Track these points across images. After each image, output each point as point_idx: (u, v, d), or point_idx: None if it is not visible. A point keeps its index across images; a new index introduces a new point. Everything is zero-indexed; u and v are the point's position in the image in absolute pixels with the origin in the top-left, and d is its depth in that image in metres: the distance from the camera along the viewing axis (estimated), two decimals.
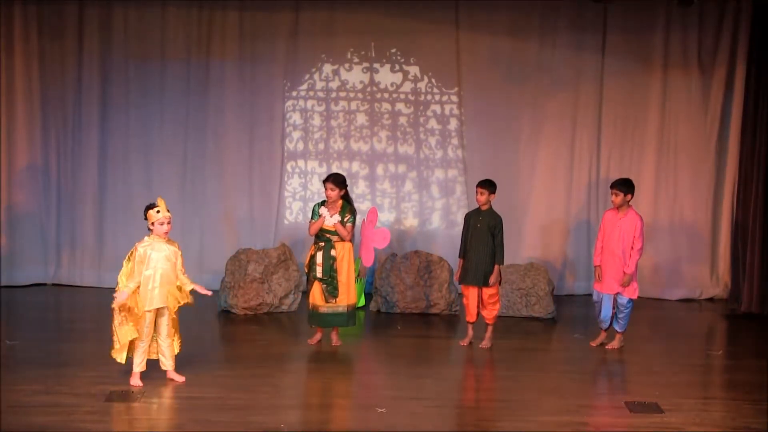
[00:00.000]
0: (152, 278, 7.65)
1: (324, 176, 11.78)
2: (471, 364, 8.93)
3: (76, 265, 11.86)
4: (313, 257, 9.02)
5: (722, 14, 11.64)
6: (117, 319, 7.64)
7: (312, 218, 9.06)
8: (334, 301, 8.98)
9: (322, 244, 8.98)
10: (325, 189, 8.99)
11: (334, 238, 8.95)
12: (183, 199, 11.82)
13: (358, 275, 11.00)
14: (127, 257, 7.73)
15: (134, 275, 7.63)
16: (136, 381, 7.71)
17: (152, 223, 7.70)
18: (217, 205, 11.90)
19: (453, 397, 8.00)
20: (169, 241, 7.79)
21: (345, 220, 8.94)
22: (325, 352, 9.02)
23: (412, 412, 7.31)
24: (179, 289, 7.77)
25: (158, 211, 7.68)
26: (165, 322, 7.77)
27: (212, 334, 9.89)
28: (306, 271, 9.15)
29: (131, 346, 7.75)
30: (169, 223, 7.72)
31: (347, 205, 9.00)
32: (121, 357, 7.72)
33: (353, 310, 9.14)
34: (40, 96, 11.66)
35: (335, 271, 8.95)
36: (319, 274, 8.96)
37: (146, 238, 7.76)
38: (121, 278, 7.69)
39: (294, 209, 12.03)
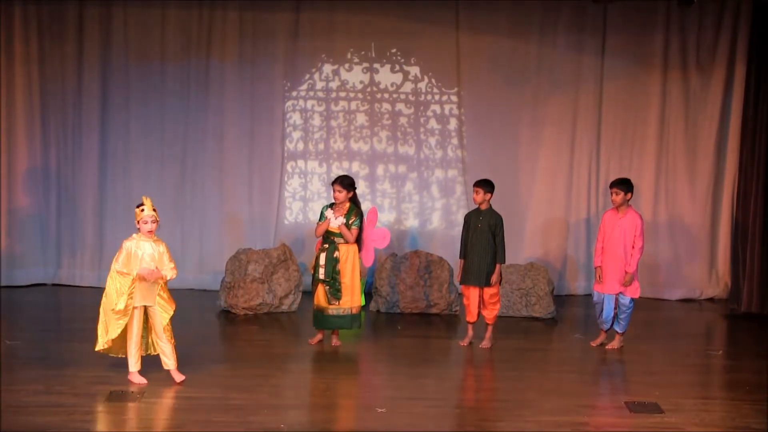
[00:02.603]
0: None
1: (324, 176, 11.87)
2: (471, 364, 8.93)
3: (76, 266, 11.87)
4: (317, 258, 9.02)
5: (722, 14, 11.65)
6: (104, 316, 7.69)
7: (319, 220, 9.06)
8: (337, 303, 8.97)
9: (327, 245, 8.97)
10: (333, 191, 8.99)
11: (339, 240, 8.95)
12: (183, 199, 11.82)
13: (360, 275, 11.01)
14: (114, 258, 7.74)
15: (128, 264, 7.64)
16: (138, 379, 7.71)
17: (138, 222, 7.72)
18: (217, 205, 11.90)
19: (453, 397, 8.00)
20: (157, 240, 7.79)
21: (350, 222, 8.93)
22: (325, 353, 9.02)
23: (412, 412, 7.31)
24: (163, 291, 7.78)
25: (143, 210, 7.70)
26: (159, 323, 7.76)
27: (212, 334, 9.90)
28: (312, 271, 9.15)
29: (120, 345, 7.77)
30: (154, 221, 7.71)
31: (354, 208, 8.98)
32: (100, 346, 7.77)
33: (358, 312, 9.12)
34: (40, 97, 11.66)
35: (338, 273, 8.94)
36: (321, 276, 8.95)
37: (134, 235, 7.78)
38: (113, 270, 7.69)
39: (294, 209, 12.03)
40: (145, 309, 7.78)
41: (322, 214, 9.04)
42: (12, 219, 11.64)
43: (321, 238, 9.08)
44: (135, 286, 7.65)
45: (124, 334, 7.75)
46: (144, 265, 7.66)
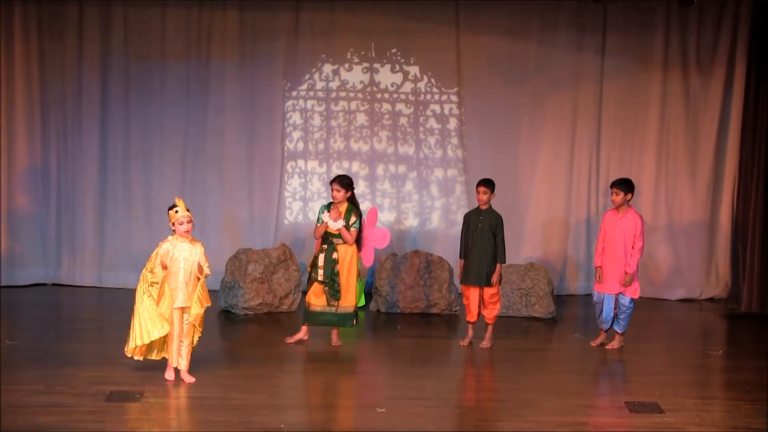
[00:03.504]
0: (175, 277, 7.70)
1: (324, 176, 11.87)
2: (471, 364, 8.93)
3: (76, 265, 11.86)
4: (316, 258, 9.01)
5: (722, 14, 11.65)
6: (142, 315, 7.67)
7: (318, 221, 9.05)
8: (336, 303, 8.97)
9: (325, 246, 8.97)
10: (331, 190, 8.98)
11: (338, 241, 8.94)
12: (183, 198, 11.79)
13: (359, 275, 11.00)
14: (151, 257, 7.78)
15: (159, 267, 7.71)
16: (171, 375, 7.82)
17: (173, 224, 7.75)
18: (217, 205, 11.90)
19: (453, 397, 8.01)
20: (193, 240, 7.83)
21: (350, 223, 8.92)
22: (325, 352, 9.02)
23: (412, 412, 7.31)
24: (202, 289, 7.81)
25: (177, 211, 7.74)
26: (185, 322, 7.81)
27: (212, 334, 9.88)
28: (309, 270, 9.14)
29: (158, 345, 7.84)
30: (189, 221, 7.77)
31: (353, 208, 8.96)
32: (139, 354, 7.82)
33: (352, 311, 9.10)
34: (40, 96, 11.66)
35: (337, 274, 8.93)
36: (320, 277, 8.94)
37: (170, 237, 7.83)
38: (146, 273, 7.73)
39: (294, 209, 12.03)
40: (182, 310, 7.82)
41: (321, 212, 9.03)
42: (12, 219, 11.63)
43: (320, 238, 9.07)
44: (176, 287, 7.67)
45: (162, 338, 7.81)
46: (182, 267, 7.70)
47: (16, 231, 11.65)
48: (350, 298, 9.04)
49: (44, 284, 11.81)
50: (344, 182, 8.94)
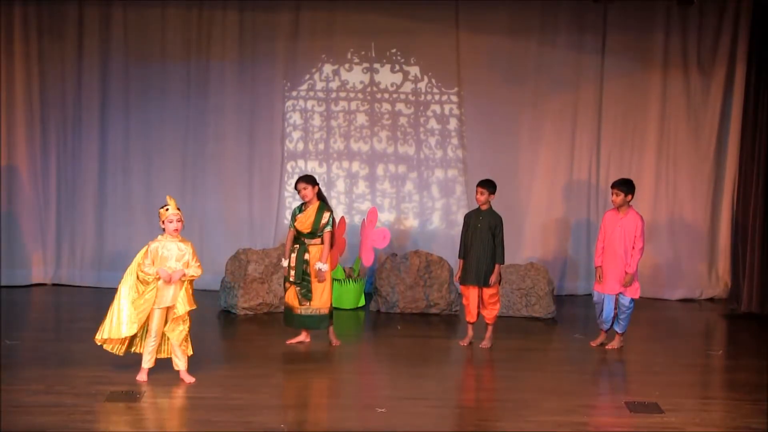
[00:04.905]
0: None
1: (324, 176, 11.88)
2: (471, 364, 8.93)
3: (76, 265, 11.87)
4: (288, 259, 9.01)
5: (722, 14, 11.65)
6: (121, 309, 7.68)
7: (290, 225, 9.05)
8: (307, 304, 8.97)
9: (297, 246, 8.97)
10: (298, 191, 8.96)
11: (309, 241, 8.93)
12: (183, 199, 11.79)
13: (358, 275, 11.01)
14: (139, 255, 7.77)
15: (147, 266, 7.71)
16: (143, 377, 7.78)
17: (163, 222, 7.75)
18: (218, 205, 11.90)
19: (453, 397, 8.01)
20: (183, 240, 7.83)
21: (323, 223, 8.89)
22: (325, 352, 9.02)
23: (412, 412, 7.31)
24: (188, 291, 7.79)
25: (167, 209, 7.73)
26: (170, 320, 7.81)
27: (212, 334, 9.89)
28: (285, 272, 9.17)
29: (136, 342, 7.85)
30: (179, 220, 7.76)
31: (324, 206, 8.96)
32: (120, 350, 7.84)
33: (327, 313, 9.07)
34: (40, 96, 11.66)
35: (308, 274, 8.93)
36: (291, 277, 8.95)
37: (159, 236, 7.83)
38: (128, 275, 7.73)
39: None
40: (167, 310, 7.81)
41: (293, 216, 9.02)
42: (12, 219, 11.63)
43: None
44: (154, 289, 7.68)
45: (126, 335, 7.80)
46: (171, 265, 7.71)
47: (16, 231, 11.66)
48: (324, 299, 9.02)
49: (44, 284, 11.82)
50: (309, 179, 8.95)
